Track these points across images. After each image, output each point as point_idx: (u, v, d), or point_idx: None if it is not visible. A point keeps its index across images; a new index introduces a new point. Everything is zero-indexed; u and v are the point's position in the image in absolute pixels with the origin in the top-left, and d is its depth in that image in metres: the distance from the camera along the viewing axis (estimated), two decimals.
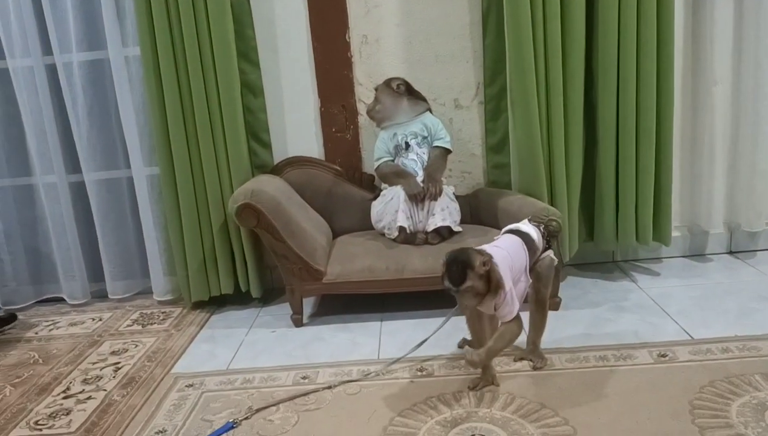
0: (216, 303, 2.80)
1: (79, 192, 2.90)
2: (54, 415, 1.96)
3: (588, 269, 2.87)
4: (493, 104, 2.74)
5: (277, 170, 2.82)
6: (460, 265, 1.68)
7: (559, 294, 2.44)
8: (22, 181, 2.92)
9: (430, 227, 2.49)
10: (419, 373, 2.00)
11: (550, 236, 2.30)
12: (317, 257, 2.46)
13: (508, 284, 1.71)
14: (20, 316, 2.86)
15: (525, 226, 1.93)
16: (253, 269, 2.71)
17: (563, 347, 2.10)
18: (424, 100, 2.66)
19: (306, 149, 2.87)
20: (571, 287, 2.64)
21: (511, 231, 1.94)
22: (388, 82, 2.62)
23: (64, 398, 2.07)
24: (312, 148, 2.88)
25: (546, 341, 2.11)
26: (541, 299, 1.95)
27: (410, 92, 2.62)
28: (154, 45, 2.52)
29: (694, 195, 2.88)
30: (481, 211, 2.73)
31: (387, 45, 2.78)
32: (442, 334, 2.25)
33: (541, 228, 1.94)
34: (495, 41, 2.64)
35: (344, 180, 2.85)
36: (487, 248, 1.78)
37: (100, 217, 2.86)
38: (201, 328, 2.58)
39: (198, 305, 2.79)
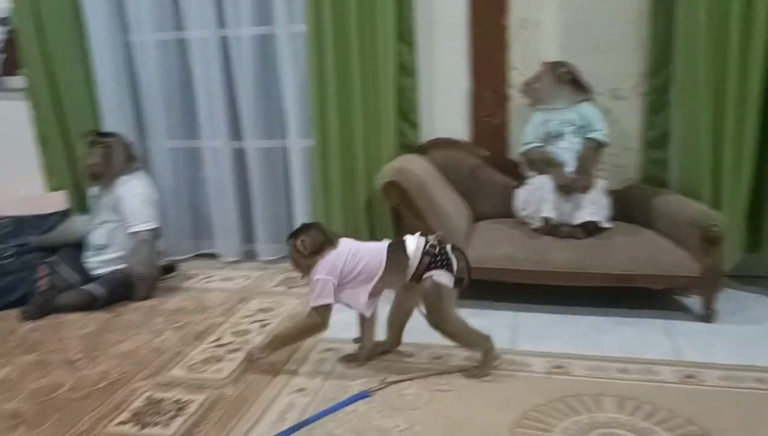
0: None
1: (239, 158, 3.10)
2: (207, 360, 2.14)
3: (751, 282, 2.63)
4: (655, 96, 2.59)
5: (422, 150, 2.85)
6: (295, 231, 1.98)
7: (714, 306, 2.27)
8: (191, 144, 3.18)
9: (577, 221, 2.41)
10: (555, 369, 1.96)
11: (709, 243, 2.15)
12: (457, 240, 2.46)
13: (319, 274, 1.89)
14: (180, 267, 3.14)
15: (410, 238, 1.93)
16: None
17: (716, 362, 1.96)
18: (587, 90, 2.55)
19: (452, 131, 2.87)
20: (728, 300, 2.42)
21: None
22: (555, 66, 2.54)
23: (216, 346, 2.25)
24: (458, 130, 2.87)
25: (695, 353, 2.00)
26: (432, 324, 1.90)
27: (574, 82, 2.52)
28: (320, 23, 2.62)
29: None
30: (633, 209, 2.59)
31: (545, 30, 2.70)
32: (579, 333, 2.20)
33: (429, 246, 1.90)
34: (663, 29, 2.48)
35: (488, 165, 2.82)
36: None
37: (257, 182, 3.06)
38: None
39: None
